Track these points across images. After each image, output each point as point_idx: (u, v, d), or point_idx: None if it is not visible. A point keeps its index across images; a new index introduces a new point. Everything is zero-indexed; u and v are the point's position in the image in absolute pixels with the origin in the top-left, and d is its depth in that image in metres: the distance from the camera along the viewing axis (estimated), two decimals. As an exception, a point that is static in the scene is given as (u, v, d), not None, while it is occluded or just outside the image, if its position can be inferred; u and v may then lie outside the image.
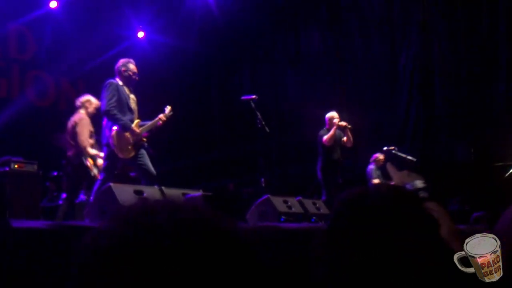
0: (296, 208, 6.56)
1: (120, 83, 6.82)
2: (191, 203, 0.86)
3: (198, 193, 4.98)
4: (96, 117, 7.51)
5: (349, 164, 9.99)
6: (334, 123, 8.90)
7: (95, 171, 7.61)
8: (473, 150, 10.10)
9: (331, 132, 8.83)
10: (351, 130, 8.95)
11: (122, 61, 7.02)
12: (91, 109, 7.77)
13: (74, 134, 7.52)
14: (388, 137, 10.71)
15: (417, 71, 11.68)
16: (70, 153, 7.74)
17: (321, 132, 9.01)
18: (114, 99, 6.62)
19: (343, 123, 8.93)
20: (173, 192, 5.34)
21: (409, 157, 9.38)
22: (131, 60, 7.07)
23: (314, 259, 1.25)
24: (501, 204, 7.62)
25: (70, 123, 7.63)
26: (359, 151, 9.32)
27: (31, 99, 10.71)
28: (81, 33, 11.18)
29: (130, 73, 6.92)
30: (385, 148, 9.40)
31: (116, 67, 6.98)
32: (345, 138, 9.02)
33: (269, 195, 6.43)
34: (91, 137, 7.55)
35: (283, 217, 6.09)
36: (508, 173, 9.34)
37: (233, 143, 13.17)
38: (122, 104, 6.72)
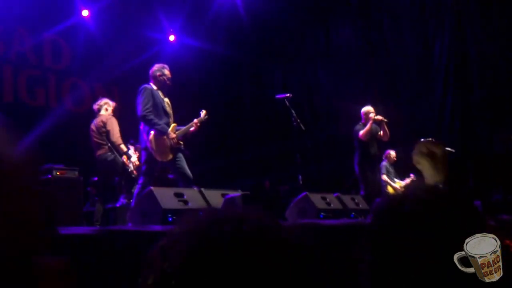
0: (335, 204, 6.55)
1: (155, 87, 6.91)
2: (255, 213, 0.88)
3: (237, 193, 5.01)
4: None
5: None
6: (370, 117, 8.84)
7: (131, 167, 7.91)
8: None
9: (367, 126, 8.78)
10: (387, 124, 8.88)
11: (157, 66, 7.11)
12: (110, 110, 8.24)
13: (104, 133, 7.93)
14: (424, 129, 10.58)
15: (452, 61, 11.50)
16: (100, 152, 7.94)
17: (357, 127, 8.96)
18: (150, 103, 6.71)
19: (379, 117, 8.87)
20: (213, 193, 5.39)
21: (448, 149, 9.24)
22: (166, 66, 7.15)
23: (358, 261, 1.26)
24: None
25: (97, 124, 8.00)
26: (396, 144, 9.23)
27: (68, 106, 10.92)
28: (113, 39, 11.35)
29: (165, 78, 7.01)
30: (422, 140, 9.27)
31: (150, 72, 7.06)
32: (381, 132, 8.95)
33: (307, 192, 6.43)
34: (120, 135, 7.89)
35: (322, 213, 6.08)
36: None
37: (268, 141, 13.19)
38: (158, 109, 6.80)
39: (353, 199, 7.15)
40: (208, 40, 12.86)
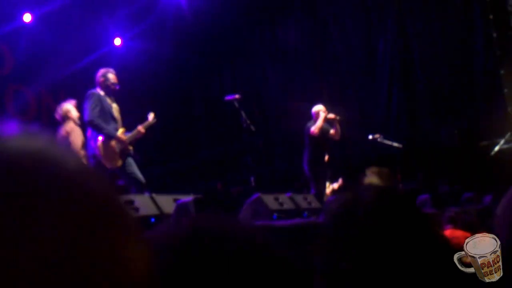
0: (288, 205, 6.56)
1: (102, 93, 6.80)
2: (244, 231, 0.85)
3: (189, 197, 4.97)
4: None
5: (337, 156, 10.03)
6: (324, 116, 8.89)
7: None
8: (457, 132, 10.17)
9: (319, 122, 8.78)
10: (339, 121, 8.94)
11: (101, 71, 7.00)
12: (74, 118, 7.54)
13: (67, 144, 7.44)
14: (373, 126, 10.74)
15: (396, 57, 11.72)
16: None
17: (309, 124, 8.97)
18: (97, 109, 6.61)
19: (332, 115, 8.91)
20: (164, 199, 5.33)
21: (395, 144, 9.42)
22: (110, 70, 7.05)
23: (314, 259, 1.26)
24: (489, 183, 7.72)
25: (61, 134, 7.47)
26: (345, 142, 9.34)
27: (12, 114, 10.61)
28: (57, 44, 11.08)
29: (110, 83, 6.91)
30: (370, 137, 9.42)
31: (96, 77, 6.95)
32: (332, 131, 8.99)
33: (260, 194, 6.42)
34: (82, 147, 7.43)
35: (275, 214, 6.09)
36: (494, 151, 9.46)
37: (219, 143, 13.15)
38: (105, 114, 6.70)
39: (305, 199, 7.19)
40: (154, 42, 12.71)
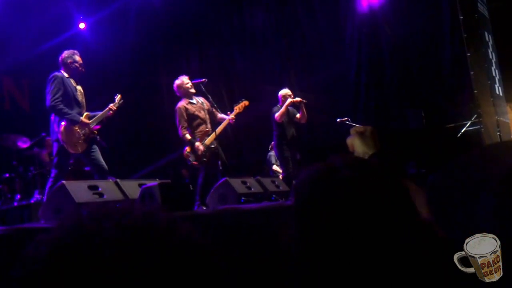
0: (255, 188, 6.54)
1: (66, 75, 6.65)
2: (144, 208, 0.81)
3: (154, 182, 4.89)
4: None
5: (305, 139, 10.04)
6: (287, 99, 8.86)
7: None
8: (424, 115, 10.25)
9: (282, 109, 8.79)
10: (305, 105, 8.92)
11: (66, 52, 6.84)
12: None
13: None
14: (341, 110, 10.76)
15: (363, 41, 11.74)
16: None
17: (274, 109, 8.97)
18: (60, 93, 6.45)
19: (298, 99, 8.89)
20: (129, 184, 5.25)
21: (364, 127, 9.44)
22: (76, 52, 6.91)
23: (285, 238, 1.23)
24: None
25: None
26: (314, 126, 9.35)
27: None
28: (20, 28, 10.82)
29: (77, 64, 6.77)
30: (338, 120, 9.44)
31: (60, 59, 6.79)
32: (298, 115, 8.99)
33: (227, 178, 6.39)
34: None
35: (243, 198, 6.06)
36: (460, 133, 9.55)
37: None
38: (69, 98, 6.56)
39: (273, 182, 7.18)
40: (119, 26, 12.52)
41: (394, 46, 11.27)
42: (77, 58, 6.82)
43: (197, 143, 7.74)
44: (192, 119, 7.93)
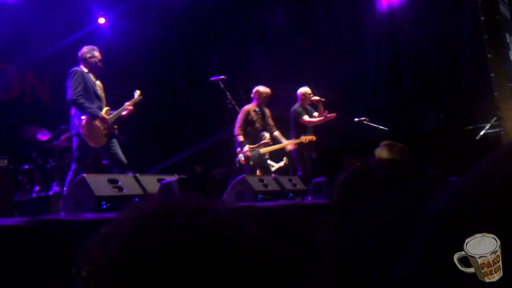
0: (272, 186, 6.55)
1: (85, 70, 6.71)
2: (213, 208, 0.81)
3: (173, 177, 4.92)
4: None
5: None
6: (312, 99, 8.94)
7: None
8: (443, 116, 10.19)
9: (315, 119, 8.87)
10: (324, 103, 8.94)
11: (86, 48, 6.91)
12: None
13: None
14: (358, 109, 10.73)
15: (383, 40, 11.69)
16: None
17: (296, 108, 8.98)
18: (81, 87, 6.52)
19: (317, 98, 8.95)
20: (148, 179, 5.29)
21: (380, 127, 9.43)
22: (95, 47, 6.97)
23: (321, 235, 1.24)
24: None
25: None
26: (331, 125, 9.32)
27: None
28: (41, 22, 10.92)
29: (96, 60, 6.83)
30: (356, 119, 9.42)
31: (80, 54, 6.86)
32: (316, 114, 9.01)
33: (244, 175, 6.42)
34: None
35: (260, 196, 6.08)
36: (479, 136, 9.48)
37: (204, 124, 13.09)
38: (89, 92, 6.62)
39: (290, 180, 7.18)
40: (138, 22, 12.58)
41: (413, 46, 11.20)
42: (96, 53, 6.88)
43: (246, 148, 8.14)
44: (249, 125, 8.35)
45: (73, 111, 6.61)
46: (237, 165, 8.18)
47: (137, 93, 7.13)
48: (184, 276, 0.71)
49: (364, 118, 9.39)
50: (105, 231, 0.79)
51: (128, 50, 12.29)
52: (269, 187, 6.44)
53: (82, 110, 6.47)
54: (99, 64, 6.85)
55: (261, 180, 6.45)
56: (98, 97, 6.73)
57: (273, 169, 9.27)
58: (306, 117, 8.90)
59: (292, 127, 8.99)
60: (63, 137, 8.66)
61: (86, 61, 6.78)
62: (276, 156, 9.30)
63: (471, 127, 9.81)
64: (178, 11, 13.02)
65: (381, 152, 1.96)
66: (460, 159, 9.04)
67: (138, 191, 4.97)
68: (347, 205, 1.21)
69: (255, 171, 8.32)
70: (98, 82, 6.85)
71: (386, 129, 9.46)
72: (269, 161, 9.73)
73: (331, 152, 10.65)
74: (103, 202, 4.43)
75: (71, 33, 11.20)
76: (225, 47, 13.82)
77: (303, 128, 8.88)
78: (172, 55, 13.78)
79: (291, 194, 6.72)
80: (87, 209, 4.42)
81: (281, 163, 9.46)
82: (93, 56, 6.83)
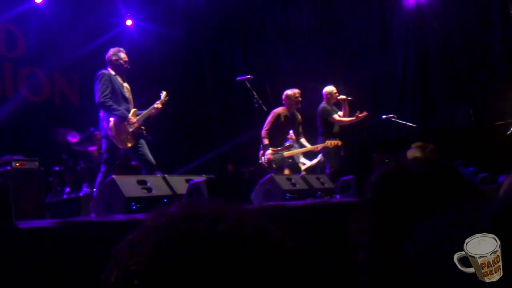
0: (300, 185, 6.53)
1: (112, 72, 6.78)
2: (236, 210, 0.82)
3: (201, 178, 4.94)
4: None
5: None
6: (338, 98, 8.92)
7: None
8: (473, 112, 10.06)
9: (346, 119, 8.85)
10: (349, 102, 8.91)
11: (112, 50, 6.98)
12: None
13: None
14: (386, 106, 10.66)
15: (410, 36, 11.58)
16: None
17: (325, 106, 8.95)
18: (108, 90, 6.59)
19: (343, 97, 8.92)
20: (177, 179, 5.32)
21: (409, 124, 9.36)
22: (121, 49, 7.02)
23: (354, 233, 1.25)
24: (504, 162, 7.62)
25: None
26: (359, 122, 9.27)
27: (25, 95, 10.64)
28: (69, 25, 11.06)
29: (122, 61, 6.89)
30: (384, 117, 9.37)
31: (106, 57, 6.93)
32: (341, 113, 9.00)
33: (272, 174, 6.41)
34: None
35: (288, 195, 6.07)
36: (510, 131, 9.33)
37: (231, 124, 13.12)
38: (117, 94, 6.69)
39: (318, 179, 7.15)
40: (165, 23, 12.66)
41: (442, 42, 11.08)
42: (122, 55, 6.94)
43: (269, 151, 8.19)
44: (278, 128, 8.40)
45: (101, 113, 6.69)
46: (267, 168, 8.20)
47: (163, 94, 7.18)
48: (208, 282, 0.72)
49: (392, 115, 9.33)
50: (132, 237, 0.80)
51: (155, 51, 12.39)
52: (297, 186, 6.42)
53: (110, 112, 6.53)
54: (125, 65, 6.91)
55: (289, 179, 6.43)
56: (125, 99, 6.80)
57: (303, 167, 9.28)
58: (336, 116, 8.87)
59: (320, 126, 8.96)
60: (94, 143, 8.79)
61: (112, 64, 6.86)
62: (309, 153, 9.31)
63: (502, 122, 9.66)
64: (204, 12, 13.08)
65: (414, 153, 1.96)
66: (491, 155, 8.93)
67: (167, 191, 5.01)
68: (380, 203, 1.22)
69: (283, 170, 8.32)
70: (125, 84, 6.92)
71: (415, 126, 9.37)
72: (302, 159, 9.75)
73: (359, 150, 10.59)
74: (133, 203, 4.47)
75: (99, 35, 11.34)
76: (251, 47, 13.84)
77: (331, 127, 8.85)
78: (199, 56, 13.85)
79: (319, 193, 6.70)
80: (117, 210, 4.46)
81: (315, 161, 9.46)
82: (119, 58, 6.89)
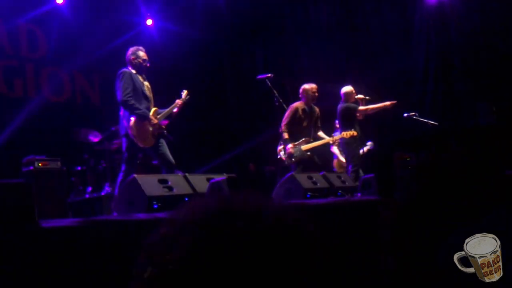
0: (321, 183, 6.51)
1: (133, 71, 6.81)
2: (273, 208, 0.81)
3: (222, 177, 4.95)
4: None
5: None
6: (356, 97, 8.91)
7: None
8: (495, 110, 9.95)
9: (373, 106, 8.87)
10: (366, 102, 8.93)
11: (131, 49, 7.02)
12: None
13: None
14: (408, 104, 10.58)
15: (432, 34, 11.48)
16: None
17: (348, 105, 8.95)
18: (130, 88, 6.62)
19: (361, 96, 8.95)
20: (198, 178, 5.33)
21: (431, 122, 9.28)
22: (140, 47, 7.05)
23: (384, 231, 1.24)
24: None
25: None
26: (381, 121, 9.24)
27: (47, 96, 10.72)
28: (90, 25, 11.12)
29: (140, 60, 6.92)
30: (405, 115, 9.30)
31: (126, 56, 6.98)
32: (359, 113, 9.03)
33: (293, 173, 6.40)
34: None
35: (309, 193, 6.05)
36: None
37: (252, 122, 13.11)
38: (138, 93, 6.72)
39: (339, 177, 7.13)
40: (186, 23, 12.69)
41: (465, 39, 10.96)
42: (141, 54, 6.97)
43: (290, 145, 8.18)
44: (296, 123, 8.36)
45: (122, 112, 6.72)
46: (286, 162, 8.18)
47: (184, 93, 7.21)
48: (249, 279, 0.71)
49: (413, 113, 9.27)
50: (166, 232, 0.79)
51: (175, 51, 12.43)
52: (318, 184, 6.41)
53: (132, 111, 6.56)
54: (144, 64, 6.94)
55: (310, 178, 6.42)
56: (146, 97, 6.82)
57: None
58: (361, 107, 8.89)
59: (341, 126, 8.95)
60: (115, 142, 8.84)
61: (131, 63, 6.90)
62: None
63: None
64: (224, 11, 13.08)
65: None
66: (513, 154, 8.80)
67: (188, 190, 5.02)
68: (411, 202, 1.20)
69: (300, 168, 8.29)
70: (146, 83, 6.95)
71: (436, 124, 9.29)
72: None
73: (381, 148, 10.53)
74: (154, 202, 4.49)
75: (120, 35, 11.40)
76: (271, 45, 13.82)
77: (351, 126, 8.82)
78: (219, 55, 13.85)
79: (340, 191, 6.68)
80: (139, 209, 4.48)
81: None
82: (137, 57, 6.92)
